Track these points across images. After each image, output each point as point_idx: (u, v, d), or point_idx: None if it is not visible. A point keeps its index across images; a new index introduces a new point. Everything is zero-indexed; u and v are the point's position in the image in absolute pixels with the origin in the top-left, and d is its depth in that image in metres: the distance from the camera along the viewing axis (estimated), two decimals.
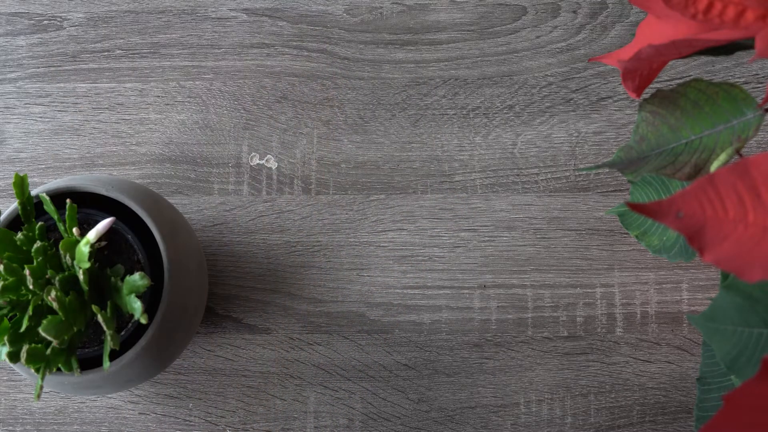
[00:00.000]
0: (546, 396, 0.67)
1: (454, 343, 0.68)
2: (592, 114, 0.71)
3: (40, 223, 0.54)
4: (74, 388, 0.57)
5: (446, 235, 0.70)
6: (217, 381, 0.68)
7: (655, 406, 0.66)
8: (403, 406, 0.67)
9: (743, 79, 0.71)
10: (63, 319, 0.50)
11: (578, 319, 0.68)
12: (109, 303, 0.53)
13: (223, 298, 0.70)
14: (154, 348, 0.56)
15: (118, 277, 0.54)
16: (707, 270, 0.68)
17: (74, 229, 0.53)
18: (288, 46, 0.73)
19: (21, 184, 0.54)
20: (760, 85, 0.70)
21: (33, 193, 0.57)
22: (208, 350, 0.69)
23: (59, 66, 0.74)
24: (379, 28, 0.73)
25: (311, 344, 0.69)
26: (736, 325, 0.42)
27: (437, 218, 0.70)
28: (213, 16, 0.74)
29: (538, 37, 0.72)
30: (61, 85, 0.74)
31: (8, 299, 0.51)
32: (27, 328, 0.50)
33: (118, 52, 0.74)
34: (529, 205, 0.70)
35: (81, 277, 0.51)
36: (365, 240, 0.70)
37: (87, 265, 0.51)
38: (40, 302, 0.51)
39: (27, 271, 0.50)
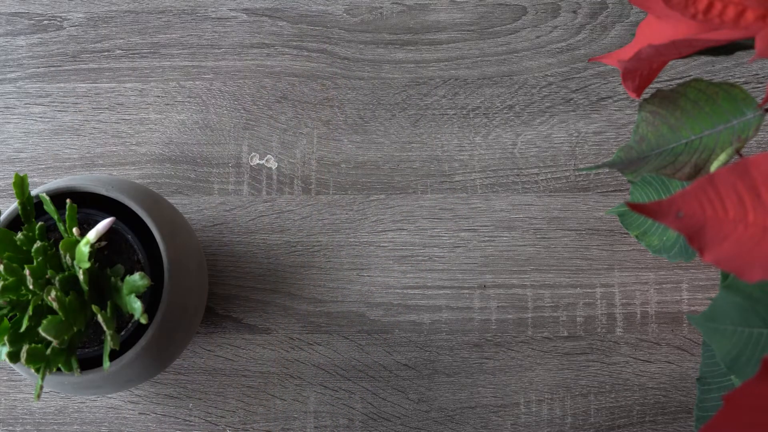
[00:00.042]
0: (546, 396, 0.67)
1: (454, 343, 0.68)
2: (592, 114, 0.71)
3: (40, 223, 0.54)
4: (74, 388, 0.57)
5: (446, 235, 0.70)
6: (217, 381, 0.68)
7: (655, 406, 0.66)
8: (403, 406, 0.67)
9: (743, 79, 0.71)
10: (63, 319, 0.50)
11: (578, 319, 0.68)
12: (109, 303, 0.53)
13: (223, 298, 0.70)
14: (154, 348, 0.56)
15: (118, 277, 0.54)
16: (707, 270, 0.68)
17: (74, 229, 0.53)
18: (288, 46, 0.73)
19: (21, 184, 0.54)
20: (760, 85, 0.70)
21: (33, 193, 0.57)
22: (208, 350, 0.69)
23: (59, 66, 0.74)
24: (379, 28, 0.73)
25: (311, 344, 0.69)
26: (736, 325, 0.42)
27: (437, 218, 0.70)
28: (213, 16, 0.74)
29: (538, 37, 0.72)
30: (61, 85, 0.74)
31: (8, 299, 0.51)
32: (27, 328, 0.50)
33: (118, 52, 0.74)
34: (529, 205, 0.70)
35: (81, 277, 0.51)
36: (365, 240, 0.70)
37: (87, 265, 0.51)
38: (40, 302, 0.51)
39: (27, 271, 0.50)
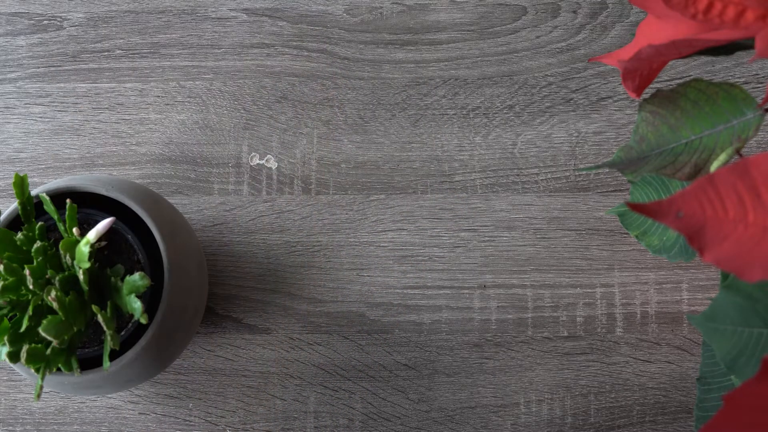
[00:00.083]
0: (546, 396, 0.67)
1: (454, 343, 0.68)
2: (592, 114, 0.71)
3: (40, 223, 0.54)
4: (74, 388, 0.57)
5: (446, 235, 0.70)
6: (217, 381, 0.68)
7: (655, 406, 0.66)
8: (403, 406, 0.67)
9: (743, 79, 0.71)
10: (63, 319, 0.50)
11: (578, 319, 0.68)
12: (109, 303, 0.53)
13: (223, 298, 0.70)
14: (154, 348, 0.56)
15: (118, 277, 0.54)
16: (707, 270, 0.68)
17: (74, 229, 0.53)
18: (288, 46, 0.73)
19: (21, 184, 0.54)
20: (760, 85, 0.70)
21: (33, 193, 0.57)
22: (208, 350, 0.69)
23: (59, 66, 0.74)
24: (379, 28, 0.73)
25: (311, 344, 0.69)
26: (736, 325, 0.42)
27: (437, 218, 0.70)
28: (213, 16, 0.74)
29: (538, 37, 0.72)
30: (61, 85, 0.74)
31: (8, 299, 0.51)
32: (27, 328, 0.50)
33: (118, 52, 0.74)
34: (529, 205, 0.70)
35: (81, 277, 0.51)
36: (365, 240, 0.70)
37: (87, 265, 0.51)
38: (40, 302, 0.51)
39: (27, 271, 0.50)
